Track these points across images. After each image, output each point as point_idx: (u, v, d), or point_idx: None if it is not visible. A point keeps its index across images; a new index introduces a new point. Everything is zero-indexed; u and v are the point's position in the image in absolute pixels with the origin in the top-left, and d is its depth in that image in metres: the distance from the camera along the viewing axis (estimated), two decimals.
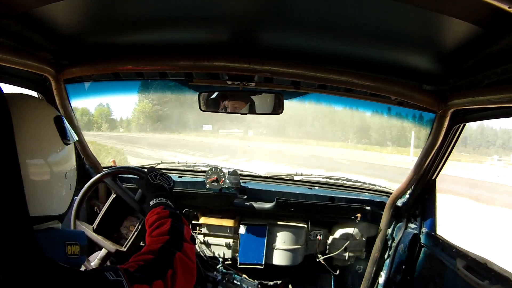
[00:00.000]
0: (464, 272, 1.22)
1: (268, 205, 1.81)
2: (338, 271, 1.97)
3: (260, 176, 2.09)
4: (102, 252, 1.33)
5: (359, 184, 2.04)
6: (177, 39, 1.21)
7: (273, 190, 1.90)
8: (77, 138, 0.81)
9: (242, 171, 2.07)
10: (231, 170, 1.89)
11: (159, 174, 1.22)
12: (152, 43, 1.23)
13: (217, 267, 1.91)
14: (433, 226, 1.58)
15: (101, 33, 1.16)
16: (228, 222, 1.87)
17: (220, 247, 1.91)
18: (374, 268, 1.79)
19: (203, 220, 1.88)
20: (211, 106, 1.51)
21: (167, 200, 1.08)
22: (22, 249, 0.51)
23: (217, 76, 1.48)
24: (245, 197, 1.87)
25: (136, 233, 1.33)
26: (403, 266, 1.62)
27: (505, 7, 0.58)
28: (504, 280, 1.08)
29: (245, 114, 1.50)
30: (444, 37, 0.94)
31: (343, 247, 1.86)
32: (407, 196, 1.71)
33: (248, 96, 1.48)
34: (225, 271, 1.91)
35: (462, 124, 1.37)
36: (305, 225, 1.87)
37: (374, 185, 2.05)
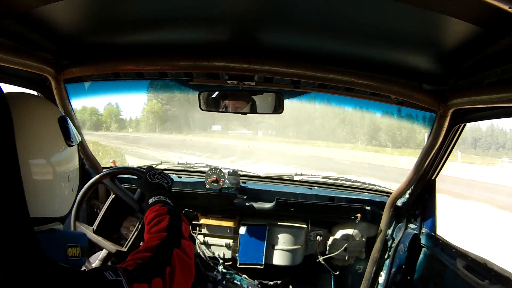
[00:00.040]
0: (464, 272, 1.22)
1: (268, 205, 1.81)
2: (338, 271, 1.97)
3: (259, 177, 2.09)
4: (103, 253, 1.33)
5: (359, 184, 2.04)
6: (177, 39, 1.21)
7: (273, 190, 1.90)
8: (80, 139, 0.80)
9: (242, 171, 2.07)
10: (231, 171, 1.89)
11: (157, 173, 1.22)
12: (152, 43, 1.23)
13: (217, 267, 1.91)
14: (433, 226, 1.58)
15: (101, 33, 1.16)
16: (228, 222, 1.87)
17: (220, 247, 1.91)
18: (374, 268, 1.78)
19: (203, 220, 1.88)
20: (211, 105, 1.51)
21: (166, 198, 1.08)
22: (22, 248, 0.50)
23: (217, 76, 1.48)
24: (245, 197, 1.87)
25: (136, 232, 1.34)
26: (403, 266, 1.62)
27: (505, 7, 0.58)
28: (504, 280, 1.08)
29: (246, 113, 1.50)
30: (444, 37, 0.94)
31: (343, 247, 1.86)
32: (407, 196, 1.71)
33: (248, 95, 1.48)
34: (225, 271, 1.91)
35: (462, 124, 1.37)
36: (305, 225, 1.87)
37: (374, 185, 2.05)
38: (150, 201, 1.07)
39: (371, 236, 1.86)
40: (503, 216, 8.58)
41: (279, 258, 1.87)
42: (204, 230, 1.90)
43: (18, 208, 0.52)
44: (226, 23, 1.05)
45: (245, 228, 1.84)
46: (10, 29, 0.98)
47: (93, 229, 1.36)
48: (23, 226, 0.52)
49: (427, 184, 1.61)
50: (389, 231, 1.79)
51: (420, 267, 1.59)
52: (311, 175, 2.11)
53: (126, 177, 1.74)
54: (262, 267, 1.84)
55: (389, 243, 1.78)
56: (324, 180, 2.07)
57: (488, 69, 0.96)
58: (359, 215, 1.79)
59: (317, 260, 1.90)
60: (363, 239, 1.87)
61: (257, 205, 1.82)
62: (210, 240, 1.91)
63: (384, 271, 1.77)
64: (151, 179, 1.19)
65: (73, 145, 0.73)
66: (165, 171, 1.48)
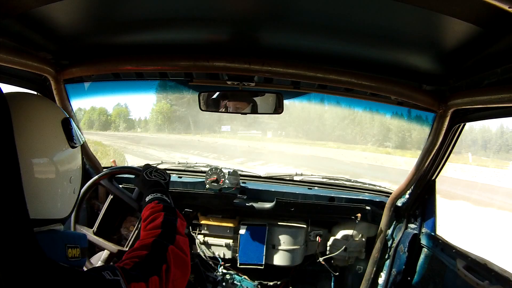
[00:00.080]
0: (464, 272, 1.22)
1: (268, 205, 1.81)
2: (338, 271, 1.96)
3: (259, 177, 2.09)
4: (105, 254, 1.33)
5: (359, 184, 2.04)
6: (177, 39, 1.21)
7: (273, 190, 1.90)
8: (84, 141, 0.80)
9: (242, 171, 2.07)
10: (231, 171, 1.89)
11: (154, 171, 1.23)
12: (152, 43, 1.23)
13: (217, 267, 1.91)
14: (433, 227, 1.58)
15: (101, 33, 1.16)
16: (228, 222, 1.87)
17: (220, 247, 1.91)
18: (374, 268, 1.78)
19: (203, 220, 1.88)
20: (212, 106, 1.52)
21: (163, 195, 1.08)
22: (22, 248, 0.50)
23: (217, 76, 1.48)
24: (245, 197, 1.87)
25: (136, 232, 1.34)
26: (403, 266, 1.62)
27: (505, 7, 0.58)
28: (504, 280, 1.08)
29: (246, 114, 1.50)
30: (444, 37, 0.94)
31: (343, 247, 1.86)
32: (407, 196, 1.71)
33: (248, 96, 1.48)
34: (225, 271, 1.91)
35: (462, 124, 1.37)
36: (305, 225, 1.87)
37: (374, 185, 2.05)
38: (147, 198, 1.07)
39: (371, 236, 1.86)
40: None
41: (279, 258, 1.87)
42: (204, 230, 1.90)
43: (18, 208, 0.52)
44: (226, 23, 1.04)
45: (245, 228, 1.84)
46: (10, 29, 0.98)
47: (93, 231, 1.36)
48: (23, 226, 0.52)
49: (427, 184, 1.61)
50: (389, 231, 1.79)
51: (420, 267, 1.58)
52: (311, 175, 2.11)
53: (125, 177, 1.74)
54: (262, 267, 1.84)
55: (389, 243, 1.78)
56: (324, 180, 2.07)
57: (488, 69, 0.96)
58: (359, 215, 1.79)
59: (317, 260, 1.90)
60: (363, 239, 1.87)
61: (257, 205, 1.82)
62: (210, 240, 1.91)
63: (384, 271, 1.77)
64: (148, 177, 1.20)
65: (76, 147, 0.73)
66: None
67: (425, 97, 1.26)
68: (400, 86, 1.26)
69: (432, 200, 1.61)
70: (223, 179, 1.83)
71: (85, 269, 0.68)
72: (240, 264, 1.85)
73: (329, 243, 1.90)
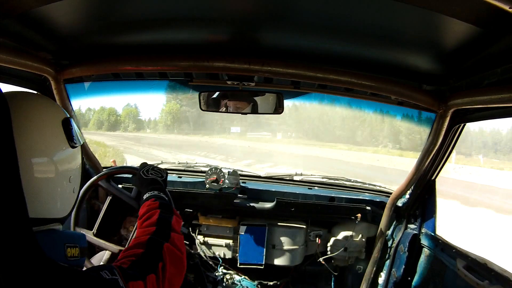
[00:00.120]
0: (464, 272, 1.22)
1: (268, 205, 1.81)
2: (338, 271, 1.96)
3: (259, 177, 2.09)
4: (106, 255, 1.34)
5: (359, 184, 2.04)
6: (177, 39, 1.21)
7: (273, 190, 1.90)
8: (84, 141, 0.80)
9: (242, 171, 2.07)
10: (231, 170, 1.89)
11: (150, 169, 1.23)
12: (152, 43, 1.23)
13: (217, 267, 1.91)
14: (433, 227, 1.58)
15: (101, 33, 1.16)
16: (228, 222, 1.87)
17: (220, 247, 1.91)
18: (374, 268, 1.78)
19: (203, 220, 1.88)
20: (212, 105, 1.51)
21: (160, 192, 1.08)
22: (21, 247, 0.50)
23: (217, 76, 1.48)
24: (245, 197, 1.87)
25: (136, 231, 1.34)
26: (403, 266, 1.62)
27: (505, 7, 0.58)
28: (504, 280, 1.07)
29: (246, 114, 1.50)
30: (444, 37, 0.94)
31: (343, 247, 1.86)
32: (407, 196, 1.71)
33: (248, 96, 1.48)
34: (225, 271, 1.91)
35: (462, 124, 1.37)
36: (305, 225, 1.87)
37: (374, 185, 2.05)
38: (144, 196, 1.07)
39: (371, 236, 1.86)
40: None
41: (279, 258, 1.87)
42: (204, 230, 1.90)
43: (17, 207, 0.52)
44: (226, 23, 1.04)
45: (245, 228, 1.84)
46: (10, 29, 0.98)
47: (93, 232, 1.37)
48: (22, 225, 0.52)
49: (427, 184, 1.61)
50: (389, 231, 1.79)
51: (420, 267, 1.58)
52: (311, 175, 2.11)
53: (124, 177, 1.74)
54: (262, 267, 1.84)
55: (389, 243, 1.78)
56: (324, 180, 2.07)
57: (488, 69, 0.96)
58: (359, 215, 1.79)
59: (317, 260, 1.90)
60: (363, 239, 1.87)
61: (257, 205, 1.82)
62: (210, 240, 1.91)
63: (384, 271, 1.76)
64: (145, 175, 1.20)
65: (76, 146, 0.73)
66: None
67: (425, 97, 1.26)
68: (400, 86, 1.26)
69: (432, 200, 1.61)
70: (223, 179, 1.83)
71: (84, 269, 0.68)
72: (240, 264, 1.85)
73: (329, 243, 1.90)
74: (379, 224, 1.77)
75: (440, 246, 1.46)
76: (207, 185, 1.83)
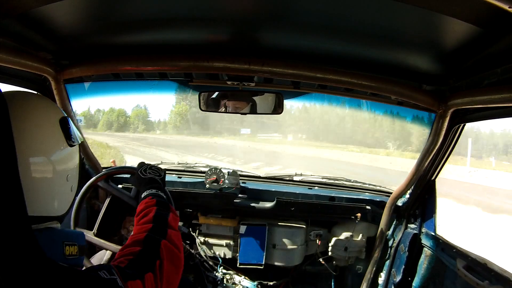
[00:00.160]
0: (464, 272, 1.22)
1: (268, 204, 1.81)
2: (338, 271, 1.96)
3: (259, 177, 2.09)
4: (107, 255, 1.34)
5: (359, 184, 2.04)
6: (177, 39, 1.21)
7: (273, 190, 1.90)
8: (82, 140, 0.81)
9: (242, 171, 2.08)
10: (231, 171, 1.89)
11: (148, 168, 1.23)
12: (152, 43, 1.23)
13: (217, 267, 1.91)
14: (433, 226, 1.58)
15: (101, 33, 1.16)
16: (228, 222, 1.87)
17: (220, 247, 1.91)
18: (374, 268, 1.78)
19: (203, 220, 1.88)
20: (212, 105, 1.52)
21: (158, 191, 1.09)
22: (20, 246, 0.50)
23: (217, 76, 1.48)
24: (245, 196, 1.87)
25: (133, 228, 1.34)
26: (403, 266, 1.62)
27: (505, 7, 0.58)
28: (504, 280, 1.07)
29: (246, 114, 1.50)
30: (444, 37, 0.94)
31: (343, 247, 1.85)
32: (407, 196, 1.71)
33: (248, 96, 1.48)
34: (225, 271, 1.91)
35: (462, 124, 1.37)
36: (305, 225, 1.87)
37: (374, 185, 2.05)
38: (142, 195, 1.08)
39: (371, 236, 1.86)
40: None
41: (279, 258, 1.87)
42: (204, 230, 1.90)
43: (16, 206, 0.52)
44: (226, 23, 1.04)
45: (245, 228, 1.84)
46: (10, 29, 0.98)
47: (93, 232, 1.37)
48: (21, 224, 0.52)
49: (427, 184, 1.61)
50: (389, 231, 1.79)
51: (420, 267, 1.58)
52: (311, 175, 2.11)
53: (124, 177, 1.74)
54: (262, 267, 1.84)
55: (389, 243, 1.78)
56: (324, 180, 2.07)
57: (488, 69, 0.96)
58: (359, 215, 1.79)
59: (317, 260, 1.90)
60: (363, 239, 1.87)
61: (257, 204, 1.82)
62: (210, 240, 1.91)
63: (384, 271, 1.76)
64: (143, 175, 1.20)
65: (74, 145, 0.74)
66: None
67: (425, 97, 1.27)
68: (400, 86, 1.26)
69: (432, 200, 1.61)
70: (223, 179, 1.83)
71: (84, 268, 0.68)
72: (240, 264, 1.85)
73: (329, 243, 1.90)
74: (379, 224, 1.77)
75: (440, 246, 1.46)
76: (207, 185, 1.83)
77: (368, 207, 1.81)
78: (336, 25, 0.98)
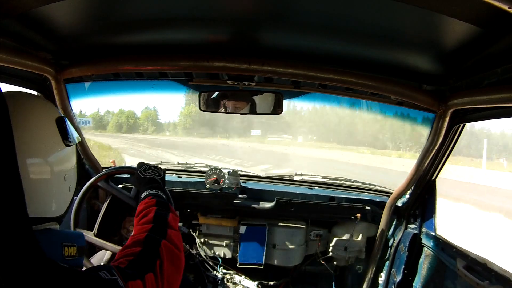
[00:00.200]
0: (464, 272, 1.22)
1: (268, 205, 1.81)
2: (338, 271, 1.96)
3: (259, 177, 2.09)
4: (107, 255, 1.34)
5: (359, 184, 2.04)
6: (177, 39, 1.21)
7: (273, 190, 1.91)
8: (79, 140, 0.81)
9: (242, 171, 2.08)
10: (231, 171, 1.89)
11: (148, 168, 1.23)
12: (152, 43, 1.23)
13: (217, 267, 1.91)
14: (433, 226, 1.58)
15: (101, 33, 1.16)
16: (228, 222, 1.87)
17: (220, 247, 1.91)
18: (374, 268, 1.79)
19: (203, 220, 1.88)
20: (211, 105, 1.52)
21: (158, 190, 1.09)
22: (21, 247, 0.50)
23: (217, 76, 1.48)
24: (245, 197, 1.87)
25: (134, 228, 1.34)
26: (403, 266, 1.62)
27: (505, 7, 0.58)
28: (504, 280, 1.07)
29: (245, 114, 1.50)
30: (444, 37, 0.94)
31: (343, 247, 1.85)
32: (407, 196, 1.71)
33: (248, 96, 1.48)
34: (225, 271, 1.91)
35: (462, 124, 1.37)
36: (305, 225, 1.87)
37: (374, 185, 2.05)
38: (142, 195, 1.07)
39: (371, 236, 1.86)
40: None
41: (279, 258, 1.87)
42: (204, 230, 1.90)
43: (17, 207, 0.52)
44: (226, 23, 1.04)
45: (245, 228, 1.85)
46: (10, 29, 0.98)
47: (94, 233, 1.37)
48: (22, 226, 0.52)
49: (427, 184, 1.61)
50: (389, 231, 1.79)
51: (420, 267, 1.58)
52: (311, 175, 2.11)
53: (124, 177, 1.74)
54: (262, 267, 1.84)
55: (390, 243, 1.78)
56: (324, 180, 2.07)
57: (488, 69, 0.96)
58: (359, 215, 1.79)
59: (317, 260, 1.90)
60: (363, 239, 1.87)
61: (257, 205, 1.82)
62: (210, 240, 1.91)
63: (384, 271, 1.77)
64: (143, 175, 1.20)
65: (71, 145, 0.73)
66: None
67: (425, 97, 1.26)
68: (400, 86, 1.26)
69: (432, 200, 1.61)
70: (223, 179, 1.83)
71: (84, 269, 0.68)
72: (240, 264, 1.85)
73: (329, 243, 1.90)
74: (379, 224, 1.77)
75: (440, 246, 1.46)
76: (207, 185, 1.83)
77: (368, 207, 1.81)
78: (336, 25, 0.98)
